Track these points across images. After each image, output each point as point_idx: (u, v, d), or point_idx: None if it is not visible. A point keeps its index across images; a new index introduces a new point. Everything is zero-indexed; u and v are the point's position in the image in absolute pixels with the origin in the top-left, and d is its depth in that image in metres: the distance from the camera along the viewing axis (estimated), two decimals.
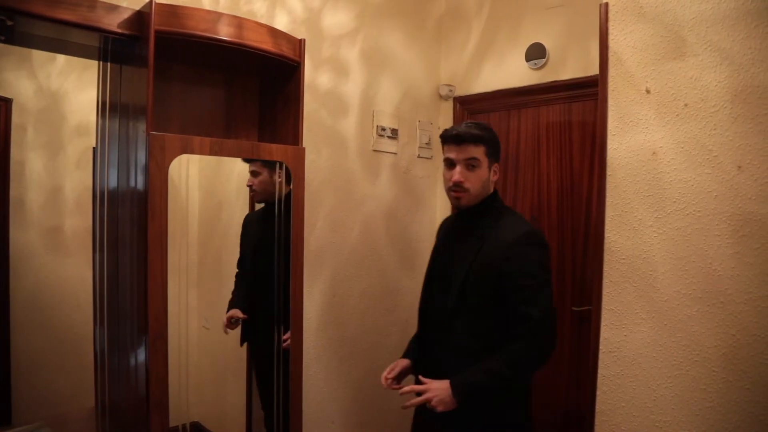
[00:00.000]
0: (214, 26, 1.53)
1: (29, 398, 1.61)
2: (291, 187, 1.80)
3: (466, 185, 1.52)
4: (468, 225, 1.59)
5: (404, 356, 1.69)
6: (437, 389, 1.42)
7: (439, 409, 1.40)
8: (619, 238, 1.57)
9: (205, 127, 1.81)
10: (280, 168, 1.76)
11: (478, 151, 1.52)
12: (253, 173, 1.78)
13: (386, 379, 1.60)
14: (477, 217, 1.57)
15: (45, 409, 1.62)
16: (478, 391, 1.43)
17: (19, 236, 1.60)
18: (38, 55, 1.62)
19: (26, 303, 1.61)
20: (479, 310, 1.50)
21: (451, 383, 1.42)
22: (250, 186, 1.79)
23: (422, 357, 1.64)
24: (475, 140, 1.52)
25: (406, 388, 1.50)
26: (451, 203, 1.60)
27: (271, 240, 1.77)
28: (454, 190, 1.54)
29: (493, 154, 1.57)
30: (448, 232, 1.71)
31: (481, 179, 1.54)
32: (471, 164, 1.52)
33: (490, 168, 1.56)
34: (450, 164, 1.55)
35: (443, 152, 1.59)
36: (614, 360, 1.58)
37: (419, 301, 1.71)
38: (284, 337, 1.77)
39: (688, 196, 1.45)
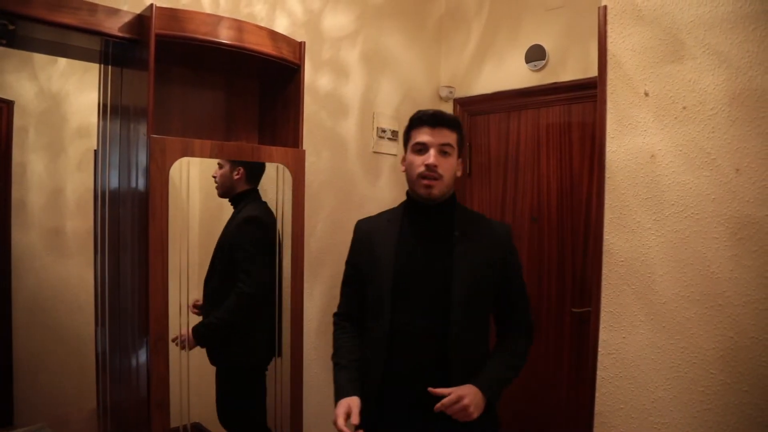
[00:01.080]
0: (214, 29, 1.53)
1: (31, 399, 1.62)
2: (252, 185, 1.80)
3: (440, 171, 1.37)
4: (441, 223, 1.42)
5: (348, 394, 1.37)
6: (471, 394, 1.26)
7: (475, 415, 1.26)
8: (618, 241, 1.57)
9: (205, 129, 1.81)
10: (240, 165, 1.77)
11: (452, 137, 1.40)
12: (219, 165, 1.77)
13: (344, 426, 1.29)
14: (451, 213, 1.43)
15: (46, 409, 1.63)
16: (503, 387, 1.39)
17: (20, 237, 1.61)
18: (39, 58, 1.63)
19: (28, 304, 1.62)
20: (479, 316, 1.41)
21: (478, 385, 1.30)
22: (214, 177, 1.77)
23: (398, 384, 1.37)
24: (450, 125, 1.40)
25: (445, 402, 1.24)
26: (419, 193, 1.40)
27: (224, 235, 1.77)
28: (427, 176, 1.36)
29: (462, 146, 1.45)
30: (402, 233, 1.44)
31: (452, 169, 1.41)
32: (444, 150, 1.38)
33: (457, 160, 1.43)
34: (421, 149, 1.39)
35: (411, 139, 1.43)
36: (613, 362, 1.58)
37: (376, 323, 1.41)
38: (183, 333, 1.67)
39: (686, 198, 1.45)
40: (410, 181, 1.44)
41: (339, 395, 1.39)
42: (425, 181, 1.37)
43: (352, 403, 1.33)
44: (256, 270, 1.77)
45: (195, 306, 1.73)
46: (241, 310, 1.77)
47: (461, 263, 1.37)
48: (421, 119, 1.41)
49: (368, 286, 1.46)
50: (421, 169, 1.37)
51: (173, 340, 1.62)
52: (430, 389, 1.27)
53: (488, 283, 1.41)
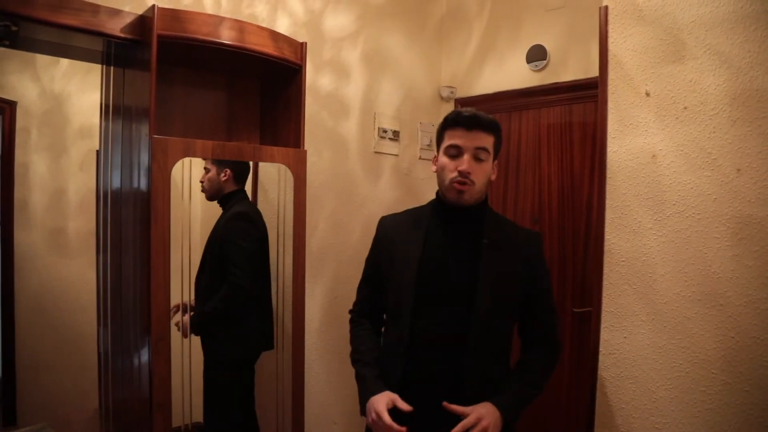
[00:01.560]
0: (215, 30, 1.54)
1: (33, 399, 1.62)
2: (240, 185, 1.82)
3: (473, 177, 1.31)
4: (469, 228, 1.37)
5: (379, 390, 1.32)
6: (489, 414, 1.22)
7: None
8: (619, 241, 1.57)
9: (207, 129, 1.82)
10: (227, 167, 1.77)
11: (488, 141, 1.33)
12: (205, 170, 1.77)
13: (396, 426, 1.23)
14: (481, 218, 1.38)
15: (49, 409, 1.64)
16: (523, 408, 1.32)
17: (23, 238, 1.61)
18: (42, 59, 1.64)
19: (30, 304, 1.63)
20: (501, 327, 1.36)
21: (497, 405, 1.25)
22: (202, 183, 1.78)
23: (412, 388, 1.32)
24: (487, 128, 1.32)
25: (466, 424, 1.20)
26: (449, 197, 1.35)
27: (214, 232, 1.79)
28: (459, 182, 1.30)
29: (498, 149, 1.38)
30: (428, 236, 1.39)
31: (486, 175, 1.34)
32: (479, 156, 1.31)
33: (492, 165, 1.37)
34: (454, 153, 1.32)
35: (444, 140, 1.36)
36: (614, 362, 1.58)
37: (395, 326, 1.37)
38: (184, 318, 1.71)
39: (687, 198, 1.45)
40: (441, 184, 1.37)
41: (368, 392, 1.33)
42: (457, 186, 1.31)
43: (391, 395, 1.28)
44: (248, 263, 1.78)
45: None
46: (235, 300, 1.77)
47: (487, 273, 1.32)
48: (456, 120, 1.33)
49: (389, 287, 1.41)
50: (454, 174, 1.31)
51: (176, 324, 1.64)
52: (445, 404, 1.23)
53: (513, 294, 1.36)
